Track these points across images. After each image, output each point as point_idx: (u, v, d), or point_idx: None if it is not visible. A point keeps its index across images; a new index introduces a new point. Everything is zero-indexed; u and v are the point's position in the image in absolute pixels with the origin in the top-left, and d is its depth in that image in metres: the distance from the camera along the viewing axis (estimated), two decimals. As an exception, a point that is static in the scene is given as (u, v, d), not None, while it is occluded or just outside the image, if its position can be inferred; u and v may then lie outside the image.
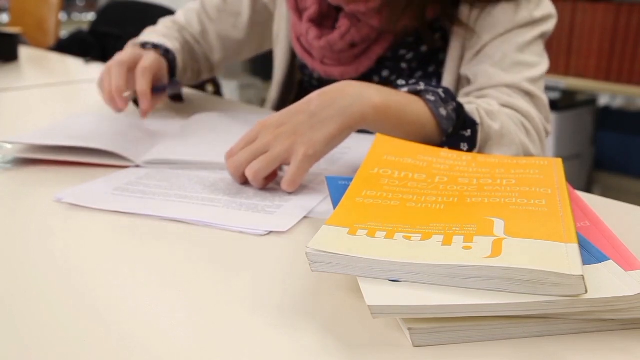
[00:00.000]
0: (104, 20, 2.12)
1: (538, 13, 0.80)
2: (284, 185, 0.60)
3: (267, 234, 0.52)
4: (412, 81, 0.70)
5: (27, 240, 0.51)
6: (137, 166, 0.69)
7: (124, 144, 0.72)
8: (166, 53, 0.92)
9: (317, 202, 0.59)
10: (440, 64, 0.87)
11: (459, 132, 0.67)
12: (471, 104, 0.71)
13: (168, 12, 1.81)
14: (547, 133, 0.79)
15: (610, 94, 2.40)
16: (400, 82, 0.70)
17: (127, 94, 0.84)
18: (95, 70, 1.36)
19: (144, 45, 0.91)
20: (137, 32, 1.01)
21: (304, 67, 0.98)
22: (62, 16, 2.65)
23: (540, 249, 0.38)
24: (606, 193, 1.25)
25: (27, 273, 0.45)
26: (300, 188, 0.62)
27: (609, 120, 2.33)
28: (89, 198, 0.59)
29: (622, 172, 2.30)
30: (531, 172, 0.53)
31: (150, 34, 0.99)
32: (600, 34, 2.07)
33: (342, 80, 0.65)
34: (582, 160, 2.30)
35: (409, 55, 0.87)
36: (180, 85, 0.97)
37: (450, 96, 0.68)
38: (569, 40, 2.15)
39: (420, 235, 0.41)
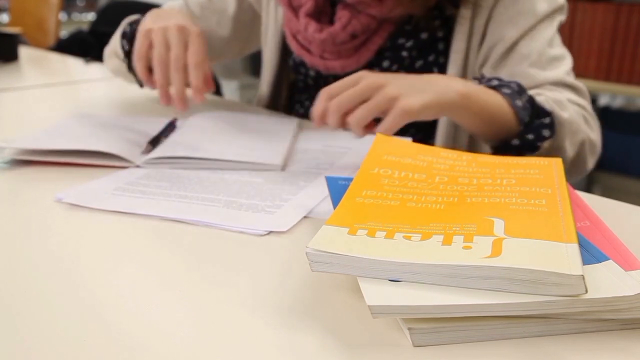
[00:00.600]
0: (104, 20, 2.12)
1: (554, 4, 0.83)
2: (379, 129, 0.62)
3: (267, 233, 0.52)
4: (484, 79, 0.74)
5: (27, 240, 0.51)
6: (137, 166, 0.69)
7: (123, 145, 0.72)
8: None
9: (317, 202, 0.59)
10: (440, 53, 0.88)
11: (536, 120, 0.72)
12: (540, 95, 0.76)
13: (168, 12, 1.80)
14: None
15: (610, 94, 2.40)
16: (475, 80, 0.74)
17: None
18: (95, 70, 1.36)
19: None
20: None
21: (298, 66, 0.98)
22: (62, 16, 2.65)
23: (541, 248, 0.38)
24: (606, 193, 1.25)
25: (27, 273, 0.45)
26: (300, 188, 0.62)
27: (609, 120, 2.33)
28: (89, 198, 0.59)
29: (622, 172, 2.30)
30: (531, 172, 0.53)
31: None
32: (600, 34, 2.07)
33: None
34: (582, 160, 2.29)
35: (409, 43, 0.87)
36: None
37: (522, 89, 0.73)
38: (569, 40, 2.14)
39: (420, 235, 0.41)
